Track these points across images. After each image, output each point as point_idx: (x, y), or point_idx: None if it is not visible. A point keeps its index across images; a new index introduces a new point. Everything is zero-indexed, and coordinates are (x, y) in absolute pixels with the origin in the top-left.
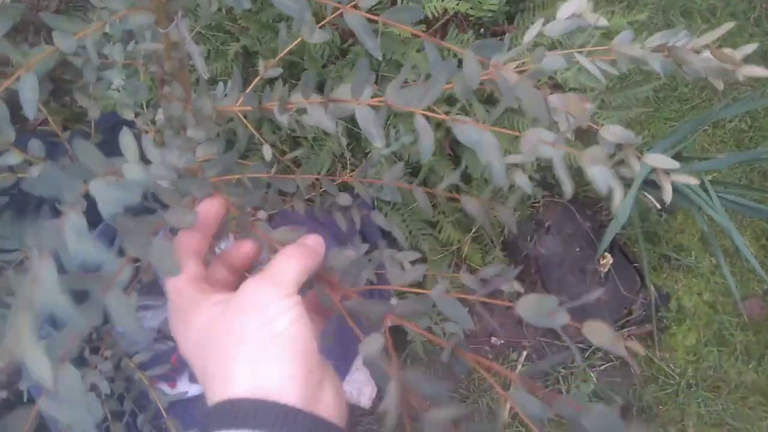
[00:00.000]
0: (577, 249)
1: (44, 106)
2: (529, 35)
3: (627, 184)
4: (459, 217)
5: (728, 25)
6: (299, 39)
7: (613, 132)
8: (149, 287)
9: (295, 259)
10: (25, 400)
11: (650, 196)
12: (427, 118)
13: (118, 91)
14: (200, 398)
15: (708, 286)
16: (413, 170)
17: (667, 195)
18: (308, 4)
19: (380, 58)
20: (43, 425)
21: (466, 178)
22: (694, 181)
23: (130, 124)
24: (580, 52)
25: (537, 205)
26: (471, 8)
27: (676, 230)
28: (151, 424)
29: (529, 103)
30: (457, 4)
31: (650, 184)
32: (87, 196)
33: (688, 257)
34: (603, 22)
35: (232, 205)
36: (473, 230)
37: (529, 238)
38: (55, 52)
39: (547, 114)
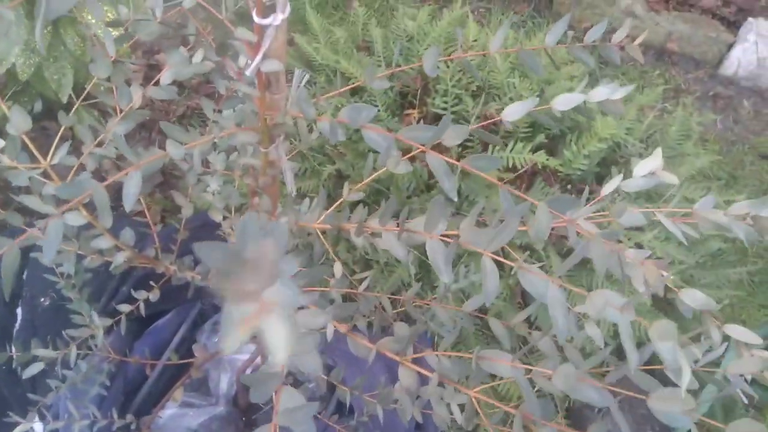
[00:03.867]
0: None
1: (148, 196)
2: (607, 189)
3: (714, 364)
4: None
5: None
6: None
7: (692, 296)
8: (197, 384)
9: None
10: None
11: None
12: (497, 261)
13: (213, 194)
14: None
15: None
16: (480, 312)
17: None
18: (394, 141)
19: (455, 200)
20: None
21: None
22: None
23: (217, 226)
24: (661, 212)
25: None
26: (560, 165)
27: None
28: None
29: (600, 259)
30: (547, 160)
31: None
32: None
33: None
34: (674, 180)
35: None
36: (536, 389)
37: (596, 410)
38: (165, 156)
39: (621, 271)
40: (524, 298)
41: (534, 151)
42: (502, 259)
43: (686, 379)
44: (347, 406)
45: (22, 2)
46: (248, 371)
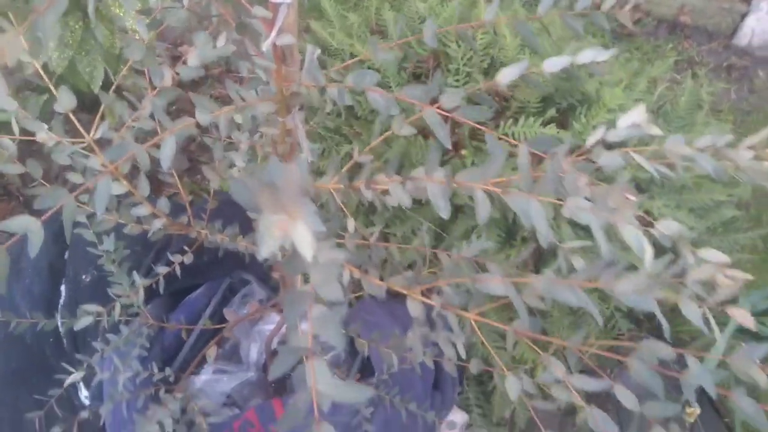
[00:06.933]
0: None
1: (178, 180)
2: (591, 140)
3: (721, 324)
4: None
5: None
6: (391, 132)
7: (667, 226)
8: (230, 353)
9: None
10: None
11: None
12: (487, 194)
13: (238, 171)
14: None
15: None
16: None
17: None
18: (396, 102)
19: (449, 147)
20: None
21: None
22: (749, 323)
23: None
24: (636, 151)
25: (622, 337)
26: (570, 137)
27: None
28: None
29: (570, 188)
30: (557, 132)
31: (748, 333)
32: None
33: None
34: (657, 131)
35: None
36: (551, 351)
37: (609, 371)
38: (194, 123)
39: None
40: (537, 267)
41: (545, 124)
42: (489, 188)
43: (649, 257)
44: (366, 363)
45: None
46: (275, 340)
